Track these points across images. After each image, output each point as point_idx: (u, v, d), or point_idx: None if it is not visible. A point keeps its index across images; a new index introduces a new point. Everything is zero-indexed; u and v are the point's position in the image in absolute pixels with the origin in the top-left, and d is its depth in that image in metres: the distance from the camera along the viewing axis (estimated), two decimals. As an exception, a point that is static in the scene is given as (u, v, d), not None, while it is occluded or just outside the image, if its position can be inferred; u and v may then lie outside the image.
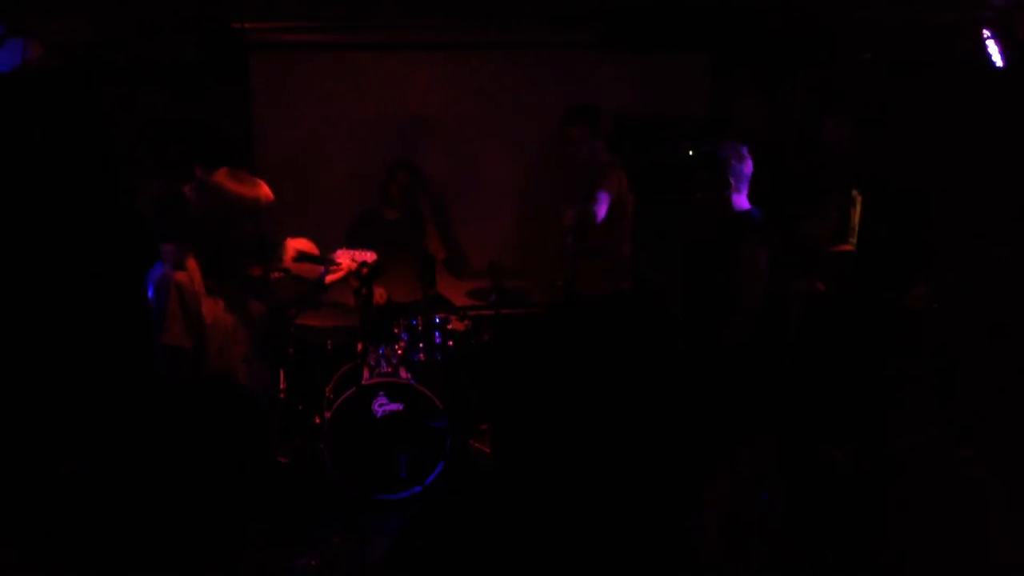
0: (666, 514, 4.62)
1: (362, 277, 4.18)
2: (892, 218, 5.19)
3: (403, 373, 5.04)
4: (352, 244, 4.75)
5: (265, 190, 3.54)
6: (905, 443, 4.30)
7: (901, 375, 4.59)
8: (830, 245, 5.70)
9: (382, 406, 4.96)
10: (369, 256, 4.59)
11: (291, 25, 5.64)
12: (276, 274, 4.01)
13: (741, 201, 4.02)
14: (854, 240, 5.58)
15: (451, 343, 5.35)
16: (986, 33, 4.17)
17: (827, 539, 4.01)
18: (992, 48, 4.16)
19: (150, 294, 4.43)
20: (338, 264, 4.32)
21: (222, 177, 3.48)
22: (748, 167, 4.01)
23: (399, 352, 5.16)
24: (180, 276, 3.46)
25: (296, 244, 4.14)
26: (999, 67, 4.17)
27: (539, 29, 5.44)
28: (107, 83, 5.32)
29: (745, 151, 4.02)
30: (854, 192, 5.59)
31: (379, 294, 5.31)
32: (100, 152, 5.41)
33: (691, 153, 6.07)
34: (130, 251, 4.97)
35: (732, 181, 3.99)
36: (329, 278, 4.06)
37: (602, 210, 4.77)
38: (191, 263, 3.50)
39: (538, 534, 1.78)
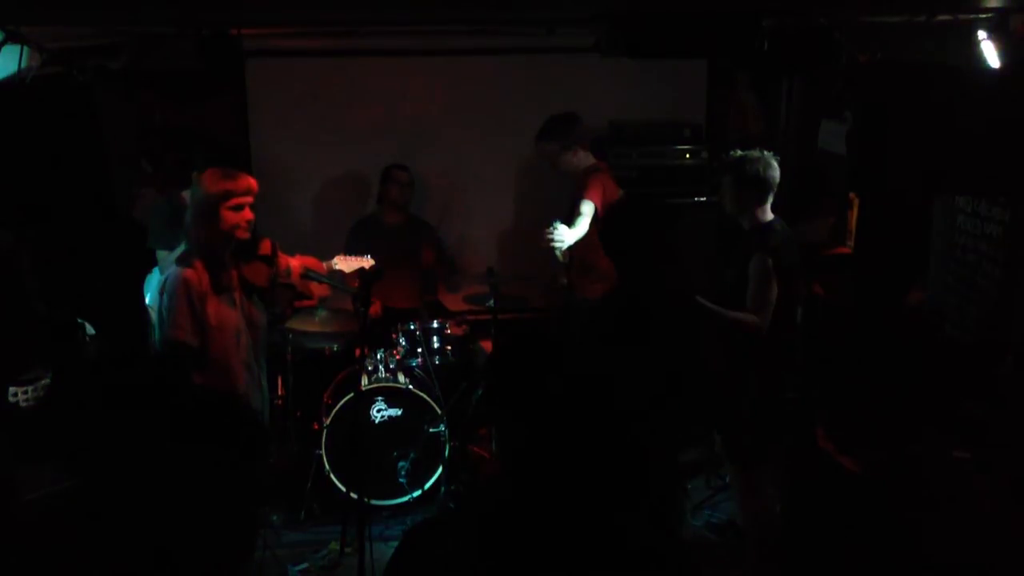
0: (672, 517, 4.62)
1: (361, 282, 4.20)
2: (889, 221, 5.19)
3: (401, 378, 5.03)
4: (352, 251, 4.75)
5: (246, 181, 3.61)
6: (906, 447, 4.29)
7: (900, 379, 4.59)
8: (828, 248, 5.70)
9: (380, 412, 4.96)
10: (367, 263, 4.60)
11: (288, 32, 5.64)
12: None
13: (765, 212, 4.02)
14: (852, 243, 5.57)
15: (449, 348, 5.35)
16: (982, 34, 4.17)
17: (835, 542, 4.01)
18: (988, 49, 4.17)
19: (148, 300, 4.45)
20: (342, 281, 4.36)
21: (203, 175, 3.58)
22: (776, 177, 4.01)
23: (397, 357, 5.16)
24: (189, 274, 3.53)
25: (303, 262, 4.18)
26: (995, 68, 4.18)
27: (535, 35, 5.45)
28: (104, 90, 5.32)
29: (774, 161, 4.03)
30: (851, 195, 5.59)
31: (374, 306, 5.30)
32: (97, 160, 5.41)
33: (686, 156, 6.08)
34: (127, 258, 4.97)
35: (758, 192, 3.99)
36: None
37: (583, 224, 4.69)
38: (198, 263, 3.56)
39: (542, 539, 1.76)
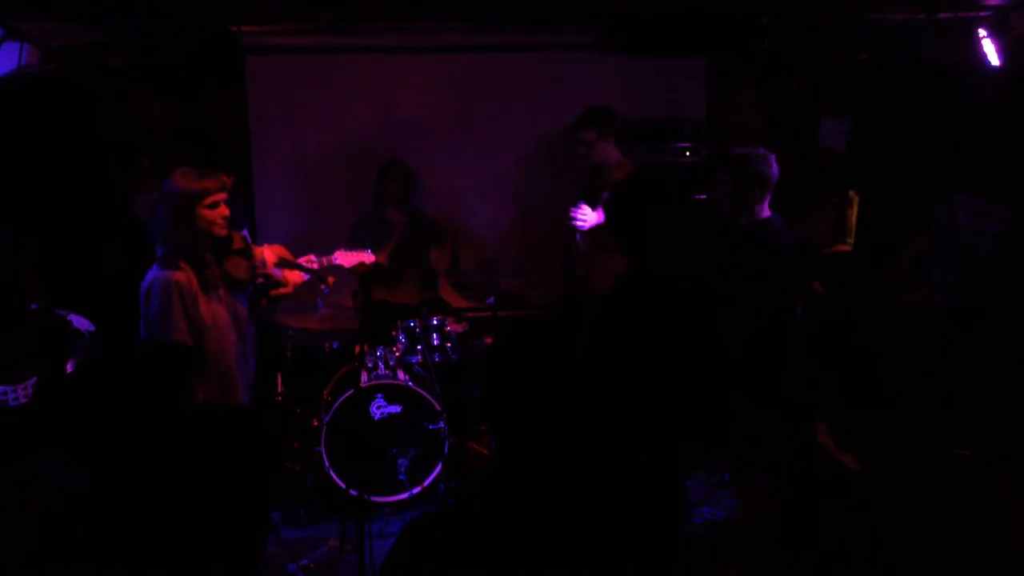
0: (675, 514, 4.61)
1: (360, 279, 4.20)
2: (889, 219, 5.19)
3: (401, 375, 5.03)
4: (352, 246, 4.75)
5: (220, 178, 3.65)
6: (905, 445, 4.29)
7: (900, 378, 4.59)
8: (828, 246, 5.70)
9: (380, 408, 4.96)
10: (367, 257, 4.59)
11: (288, 28, 5.64)
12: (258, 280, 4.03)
13: (764, 209, 4.02)
14: (852, 241, 5.57)
15: (449, 345, 5.35)
16: (982, 32, 4.17)
17: (831, 540, 4.01)
18: (988, 47, 4.17)
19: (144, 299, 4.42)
20: (330, 266, 4.36)
21: (176, 175, 3.59)
22: (775, 174, 4.01)
23: (397, 354, 5.16)
24: (178, 276, 3.53)
25: (274, 250, 4.17)
26: (995, 66, 4.17)
27: (534, 32, 5.45)
28: (103, 88, 5.32)
29: (772, 158, 4.03)
30: (851, 192, 5.59)
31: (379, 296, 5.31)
32: (96, 157, 5.41)
33: (685, 154, 6.08)
34: (127, 256, 4.97)
35: (758, 189, 3.99)
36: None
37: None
38: (183, 264, 3.56)
39: (541, 536, 1.76)
